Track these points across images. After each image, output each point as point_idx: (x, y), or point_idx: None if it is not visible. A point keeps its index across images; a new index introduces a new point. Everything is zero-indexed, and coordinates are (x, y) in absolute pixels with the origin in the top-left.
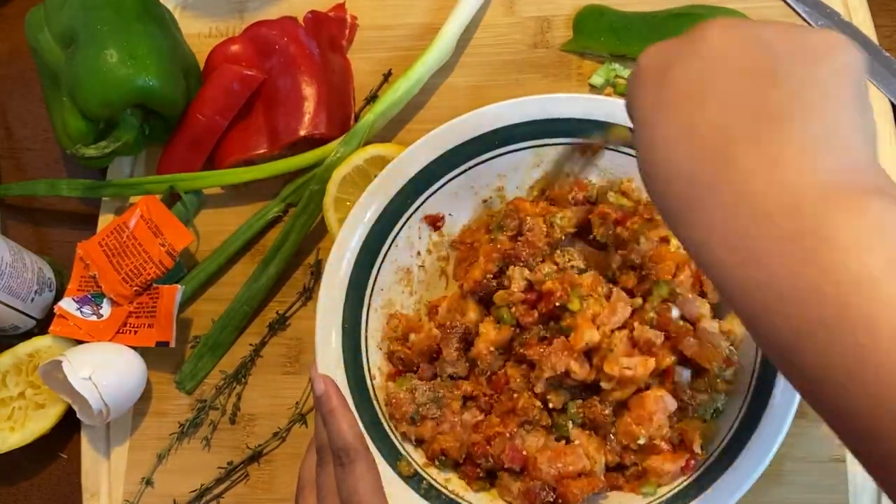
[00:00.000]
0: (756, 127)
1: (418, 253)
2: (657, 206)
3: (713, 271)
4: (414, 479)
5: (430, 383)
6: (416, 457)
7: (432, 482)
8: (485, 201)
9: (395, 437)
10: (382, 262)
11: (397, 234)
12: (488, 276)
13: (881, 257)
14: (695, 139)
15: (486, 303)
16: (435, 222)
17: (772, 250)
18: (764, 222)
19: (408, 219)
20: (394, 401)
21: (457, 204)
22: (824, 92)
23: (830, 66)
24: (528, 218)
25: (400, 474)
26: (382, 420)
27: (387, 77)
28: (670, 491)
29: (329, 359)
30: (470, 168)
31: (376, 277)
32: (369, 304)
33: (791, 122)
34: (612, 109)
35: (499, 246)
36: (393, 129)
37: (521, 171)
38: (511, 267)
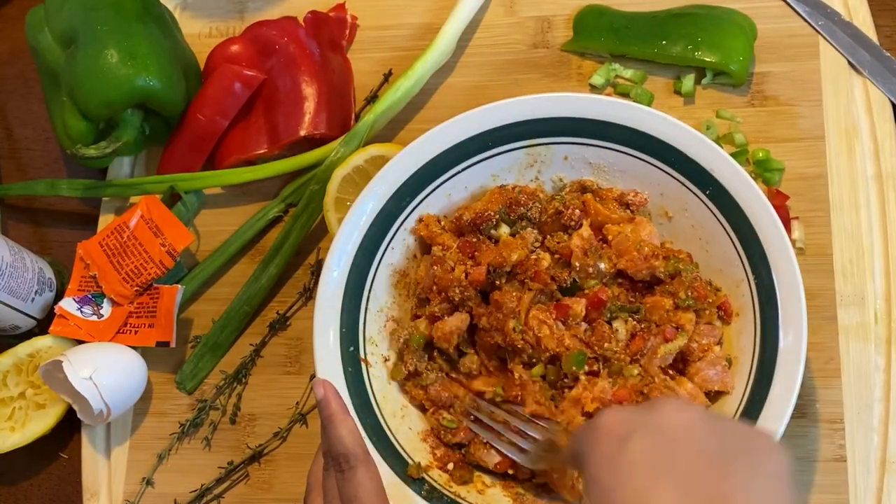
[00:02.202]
0: None
1: (414, 256)
2: None
3: None
4: (416, 482)
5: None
6: (418, 458)
7: (434, 484)
8: None
9: (395, 439)
10: (378, 265)
11: (392, 237)
12: (490, 212)
13: None
14: None
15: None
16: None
17: None
18: None
19: (403, 221)
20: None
21: (451, 205)
22: (766, 489)
23: (771, 469)
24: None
25: (401, 476)
26: (382, 422)
27: (387, 77)
28: None
29: (327, 362)
30: (464, 169)
31: (373, 280)
32: (367, 307)
33: None
34: (601, 108)
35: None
36: (393, 129)
37: (514, 170)
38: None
